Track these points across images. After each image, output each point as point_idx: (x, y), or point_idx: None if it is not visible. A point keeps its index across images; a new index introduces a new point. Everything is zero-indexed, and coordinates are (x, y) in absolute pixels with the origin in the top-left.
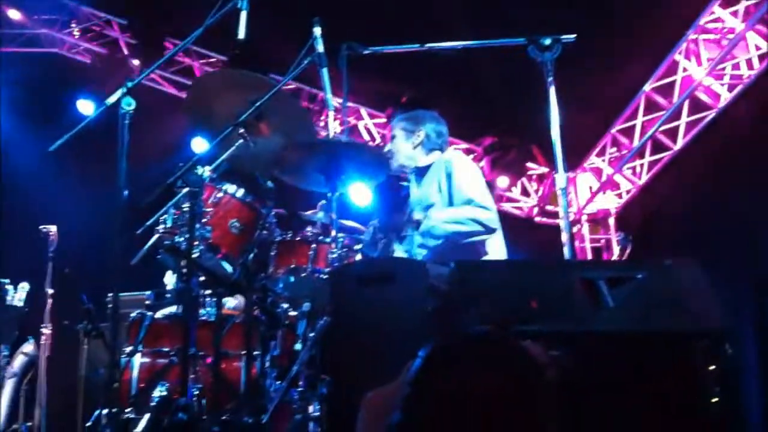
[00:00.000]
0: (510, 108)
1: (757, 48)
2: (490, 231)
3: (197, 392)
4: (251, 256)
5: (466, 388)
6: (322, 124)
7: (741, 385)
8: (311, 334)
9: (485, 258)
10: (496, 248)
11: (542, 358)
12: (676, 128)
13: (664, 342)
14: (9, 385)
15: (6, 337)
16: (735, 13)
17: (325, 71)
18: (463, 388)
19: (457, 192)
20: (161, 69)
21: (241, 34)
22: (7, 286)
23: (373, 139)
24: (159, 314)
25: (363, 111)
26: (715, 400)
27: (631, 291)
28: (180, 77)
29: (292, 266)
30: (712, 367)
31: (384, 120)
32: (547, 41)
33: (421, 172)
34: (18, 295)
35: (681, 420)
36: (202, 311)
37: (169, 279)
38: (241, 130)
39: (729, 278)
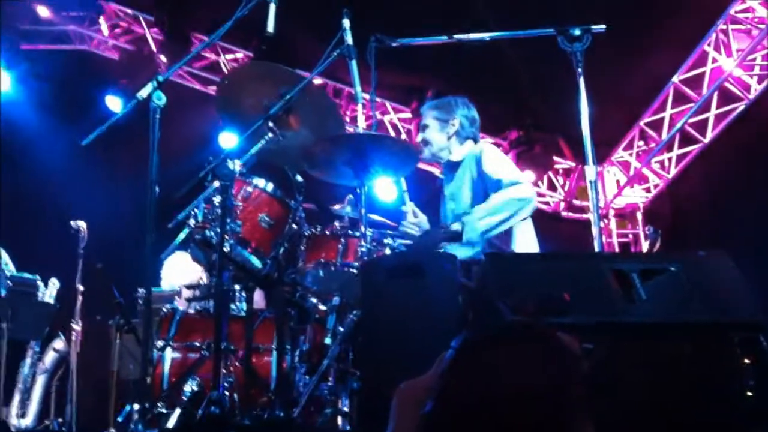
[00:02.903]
0: (537, 101)
1: None
2: (528, 202)
3: (228, 386)
4: (281, 250)
5: (500, 378)
6: (348, 118)
7: None
8: (340, 329)
9: (515, 247)
10: (526, 237)
11: (576, 349)
12: (705, 120)
13: (698, 334)
14: (40, 381)
15: (37, 333)
16: (765, 3)
17: (354, 63)
18: (496, 379)
19: (488, 179)
20: (186, 64)
21: (270, 28)
22: (38, 283)
23: (398, 133)
24: (190, 309)
25: (388, 105)
26: (750, 393)
27: (664, 283)
28: (205, 72)
29: (322, 260)
30: (747, 360)
31: (409, 114)
32: (577, 32)
33: (453, 167)
34: (48, 291)
35: (716, 412)
36: (232, 306)
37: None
38: (271, 124)
39: (759, 271)
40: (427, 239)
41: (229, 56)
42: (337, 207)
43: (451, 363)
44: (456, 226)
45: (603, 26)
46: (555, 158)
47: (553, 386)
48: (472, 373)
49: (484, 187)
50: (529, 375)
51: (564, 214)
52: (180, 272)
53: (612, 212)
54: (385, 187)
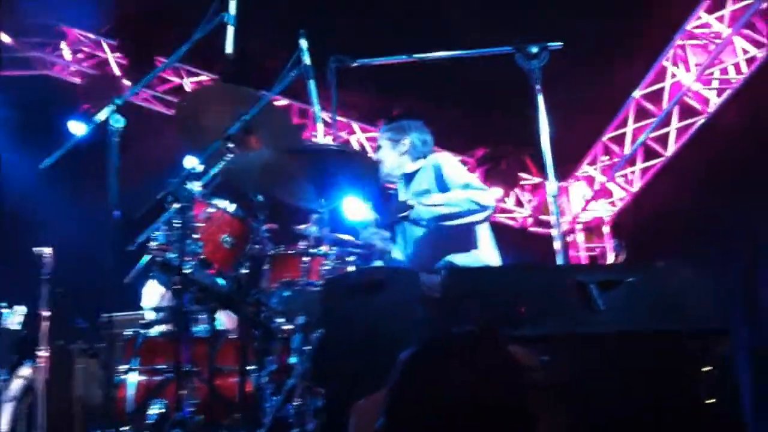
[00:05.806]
0: (502, 118)
1: (745, 52)
2: (486, 209)
3: (193, 408)
4: (243, 270)
5: (448, 390)
6: (313, 138)
7: (739, 385)
8: (306, 348)
9: (475, 252)
10: (485, 242)
11: (527, 360)
12: (667, 134)
13: (657, 344)
14: (7, 409)
15: (4, 361)
16: (721, 18)
17: (312, 83)
18: (444, 391)
19: (450, 181)
20: (152, 88)
21: (229, 48)
22: (3, 310)
23: (365, 152)
24: (154, 331)
25: (354, 125)
26: (710, 401)
27: (623, 294)
28: (171, 96)
29: (286, 280)
30: (707, 368)
31: (376, 134)
32: (534, 49)
33: (409, 177)
34: (14, 318)
35: (677, 421)
36: (195, 327)
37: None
38: (231, 145)
39: (722, 281)
40: (385, 211)
41: (194, 79)
42: (301, 227)
43: (400, 376)
44: (411, 202)
45: (560, 43)
46: (521, 174)
47: (503, 398)
48: (420, 385)
49: (444, 185)
50: (478, 387)
51: (531, 229)
52: (151, 295)
53: (579, 226)
54: (354, 207)
